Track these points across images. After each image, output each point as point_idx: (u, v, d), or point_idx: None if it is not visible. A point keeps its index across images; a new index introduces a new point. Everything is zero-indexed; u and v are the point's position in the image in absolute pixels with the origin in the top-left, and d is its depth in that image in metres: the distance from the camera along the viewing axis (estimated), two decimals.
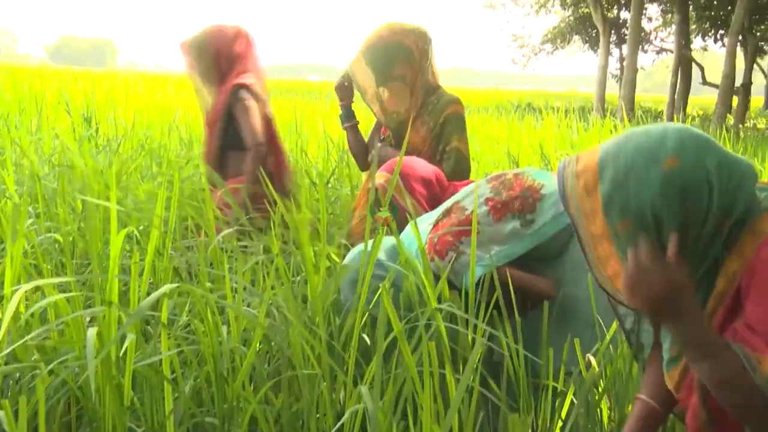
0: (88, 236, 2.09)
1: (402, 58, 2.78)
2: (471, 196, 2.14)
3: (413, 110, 2.84)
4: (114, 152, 4.24)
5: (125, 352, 1.59)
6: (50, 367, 1.58)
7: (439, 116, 2.79)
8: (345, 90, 3.07)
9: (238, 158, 3.09)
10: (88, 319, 1.90)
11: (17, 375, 1.68)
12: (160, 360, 1.66)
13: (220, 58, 3.14)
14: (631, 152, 1.21)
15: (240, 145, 3.09)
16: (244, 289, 1.94)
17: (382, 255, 2.12)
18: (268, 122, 3.17)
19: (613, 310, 1.58)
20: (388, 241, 2.19)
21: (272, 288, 1.97)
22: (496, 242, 2.03)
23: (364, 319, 1.84)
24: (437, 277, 1.98)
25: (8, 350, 1.57)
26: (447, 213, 2.13)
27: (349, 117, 3.12)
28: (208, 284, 1.99)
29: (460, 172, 2.77)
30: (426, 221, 2.24)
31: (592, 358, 1.83)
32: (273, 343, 1.87)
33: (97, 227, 2.14)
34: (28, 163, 3.17)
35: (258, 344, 1.72)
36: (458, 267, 2.00)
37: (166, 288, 1.62)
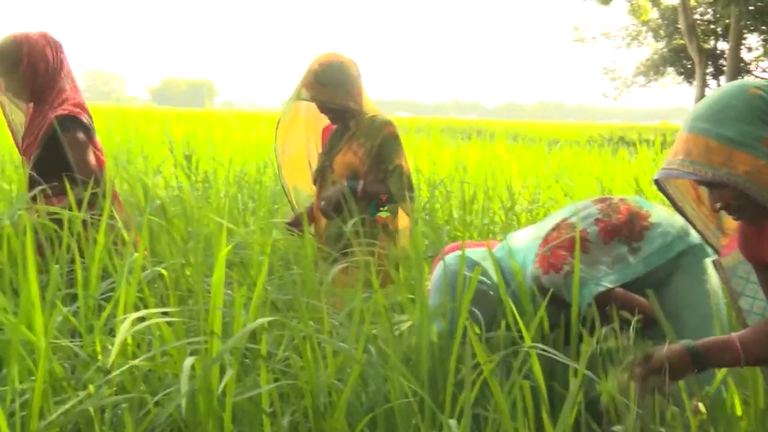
0: (192, 270, 2.17)
1: (353, 79, 2.92)
2: (579, 214, 2.14)
3: (354, 129, 2.94)
4: (211, 188, 4.41)
5: (225, 386, 1.62)
6: (156, 398, 1.63)
7: (375, 137, 2.89)
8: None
9: (54, 189, 2.71)
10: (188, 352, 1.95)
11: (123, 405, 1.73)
12: (259, 393, 1.68)
13: (36, 73, 2.79)
14: (716, 96, 1.35)
15: (59, 177, 2.76)
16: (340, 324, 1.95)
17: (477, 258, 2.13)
18: (96, 155, 2.86)
19: (726, 287, 1.61)
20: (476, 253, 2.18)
21: (372, 323, 1.97)
22: (604, 264, 2.05)
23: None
24: (546, 291, 2.01)
25: (114, 373, 1.63)
26: (556, 229, 2.13)
27: (298, 220, 3.06)
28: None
29: (405, 187, 2.89)
30: (522, 237, 2.24)
31: (701, 405, 1.74)
32: (368, 379, 1.87)
33: (201, 260, 2.21)
34: (134, 201, 3.30)
35: (354, 379, 1.72)
36: (571, 282, 2.00)
37: (263, 321, 1.65)
